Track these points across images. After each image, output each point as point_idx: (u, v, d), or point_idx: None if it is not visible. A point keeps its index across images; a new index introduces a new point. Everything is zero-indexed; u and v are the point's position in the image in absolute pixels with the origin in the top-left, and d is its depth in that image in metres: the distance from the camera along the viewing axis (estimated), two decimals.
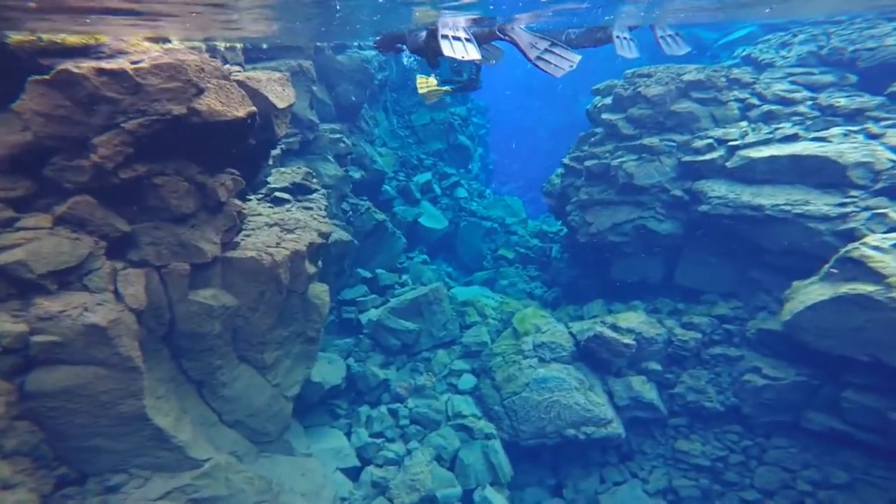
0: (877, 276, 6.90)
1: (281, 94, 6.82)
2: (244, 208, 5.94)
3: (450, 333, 10.34)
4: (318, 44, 11.71)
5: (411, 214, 13.57)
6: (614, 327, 9.07)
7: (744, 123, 9.75)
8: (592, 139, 11.06)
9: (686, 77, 10.00)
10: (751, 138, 9.26)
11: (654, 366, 8.99)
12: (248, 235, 6.45)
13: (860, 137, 8.79)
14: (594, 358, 9.09)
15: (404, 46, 5.87)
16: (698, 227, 9.64)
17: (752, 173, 8.95)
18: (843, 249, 7.42)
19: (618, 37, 5.54)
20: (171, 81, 4.19)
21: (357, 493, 7.39)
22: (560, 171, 12.07)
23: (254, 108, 5.37)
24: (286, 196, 7.99)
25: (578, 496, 8.50)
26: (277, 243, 6.53)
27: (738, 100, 10.04)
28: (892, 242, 7.12)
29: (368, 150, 12.48)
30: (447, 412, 8.94)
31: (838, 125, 9.21)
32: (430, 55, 5.23)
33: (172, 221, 4.89)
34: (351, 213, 11.03)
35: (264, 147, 6.72)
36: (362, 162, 12.08)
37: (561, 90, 36.54)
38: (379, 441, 8.39)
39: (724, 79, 10.11)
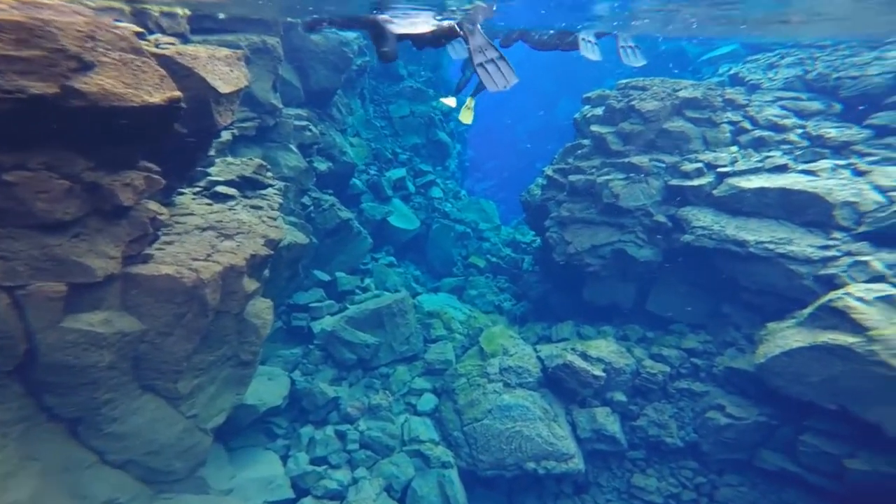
0: (858, 328, 6.36)
1: (227, 75, 5.45)
2: (162, 213, 4.63)
3: (412, 348, 9.30)
4: (290, 19, 10.17)
5: (380, 212, 12.32)
6: (584, 356, 8.26)
7: (734, 148, 8.97)
8: (579, 152, 10.07)
9: (682, 93, 9.09)
10: (741, 165, 8.48)
11: (620, 397, 8.26)
12: (170, 243, 5.13)
13: (847, 173, 8.16)
14: (561, 386, 8.27)
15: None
16: (678, 256, 8.88)
17: (740, 204, 8.20)
18: (827, 298, 6.82)
19: (584, 39, 5.57)
20: (24, 48, 2.86)
21: None
22: (541, 181, 11.07)
23: (177, 94, 4.04)
24: (230, 192, 6.64)
25: None
26: (208, 255, 5.24)
27: (730, 122, 9.23)
28: (877, 295, 6.57)
29: (338, 139, 11.10)
30: (402, 436, 7.95)
31: (826, 157, 8.55)
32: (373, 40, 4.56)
33: (40, 230, 3.57)
34: (312, 208, 9.72)
35: (200, 138, 5.37)
36: (330, 153, 10.72)
37: (542, 91, 35.55)
38: (321, 468, 7.30)
39: (719, 98, 9.27)
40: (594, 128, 9.86)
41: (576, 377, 7.97)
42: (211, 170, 6.52)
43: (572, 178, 9.64)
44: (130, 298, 4.44)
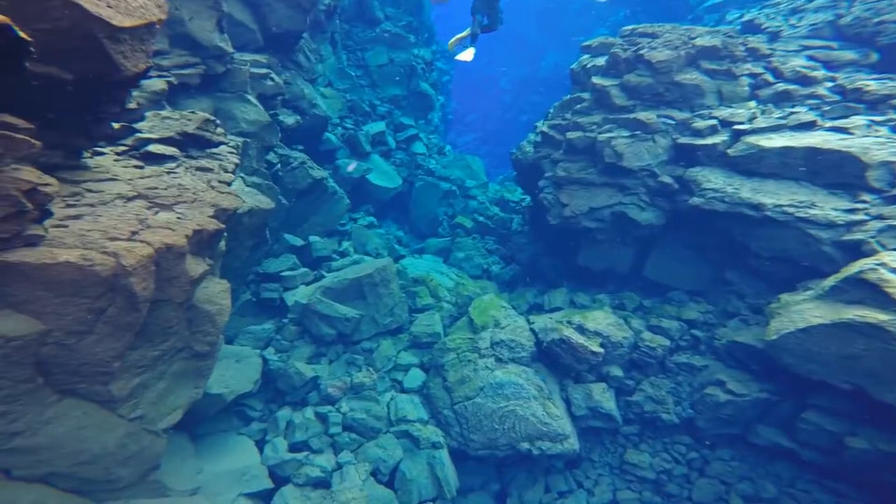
0: (892, 304, 5.49)
1: (121, 3, 3.87)
2: (47, 182, 3.28)
3: (397, 320, 8.33)
4: None
5: (358, 170, 10.89)
6: (581, 329, 7.48)
7: (752, 104, 7.80)
8: (577, 106, 8.74)
9: (698, 41, 7.74)
10: (760, 123, 7.38)
11: (616, 371, 7.60)
12: (78, 217, 3.83)
13: (885, 130, 7.05)
14: (556, 361, 7.54)
15: None
16: (682, 219, 7.94)
17: (757, 164, 7.18)
18: (856, 268, 5.93)
19: None
20: None
21: None
22: (534, 137, 9.76)
23: None
24: (169, 151, 5.23)
25: None
26: (134, 231, 3.98)
27: (750, 75, 7.97)
28: None
29: (307, 90, 9.41)
30: (389, 416, 7.17)
31: (860, 113, 7.41)
32: None
33: None
34: (279, 166, 8.28)
35: (99, 86, 3.90)
36: (298, 105, 9.09)
37: (527, 41, 32.97)
38: (301, 455, 6.50)
39: (741, 48, 7.93)
40: (596, 80, 8.47)
41: (573, 353, 7.22)
42: (141, 125, 5.04)
43: (570, 135, 8.39)
44: (16, 293, 3.23)
